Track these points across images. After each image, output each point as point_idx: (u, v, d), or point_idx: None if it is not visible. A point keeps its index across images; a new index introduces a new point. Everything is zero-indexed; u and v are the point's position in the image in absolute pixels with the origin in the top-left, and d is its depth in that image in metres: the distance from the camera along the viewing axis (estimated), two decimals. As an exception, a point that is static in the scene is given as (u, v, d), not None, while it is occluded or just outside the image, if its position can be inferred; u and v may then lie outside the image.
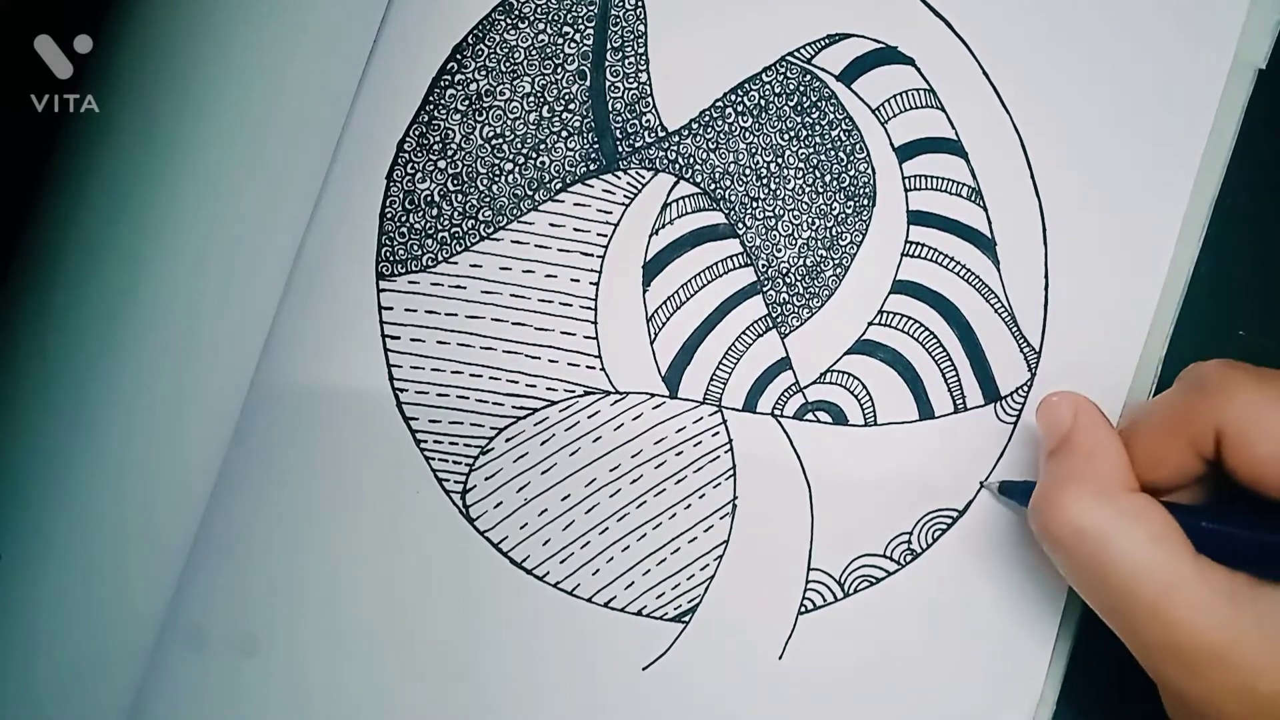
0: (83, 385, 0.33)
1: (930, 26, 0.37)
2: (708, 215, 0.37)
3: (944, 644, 0.37)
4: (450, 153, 0.36)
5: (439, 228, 0.36)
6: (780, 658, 0.37)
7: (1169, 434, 0.32)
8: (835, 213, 0.37)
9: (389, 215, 0.36)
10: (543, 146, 0.36)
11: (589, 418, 0.37)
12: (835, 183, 0.37)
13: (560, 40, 0.36)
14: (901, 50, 0.37)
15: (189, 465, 0.35)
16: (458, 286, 0.36)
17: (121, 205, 0.33)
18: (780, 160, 0.37)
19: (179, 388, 0.34)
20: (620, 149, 0.36)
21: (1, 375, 0.34)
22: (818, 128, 0.37)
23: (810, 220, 0.37)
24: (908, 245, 0.37)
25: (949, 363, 0.37)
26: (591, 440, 0.37)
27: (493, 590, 0.37)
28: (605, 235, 0.37)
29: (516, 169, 0.36)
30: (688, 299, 0.37)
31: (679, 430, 0.37)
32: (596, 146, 0.36)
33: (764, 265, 0.37)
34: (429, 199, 0.36)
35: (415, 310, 0.36)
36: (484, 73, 0.36)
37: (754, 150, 0.37)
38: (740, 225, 0.37)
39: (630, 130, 0.36)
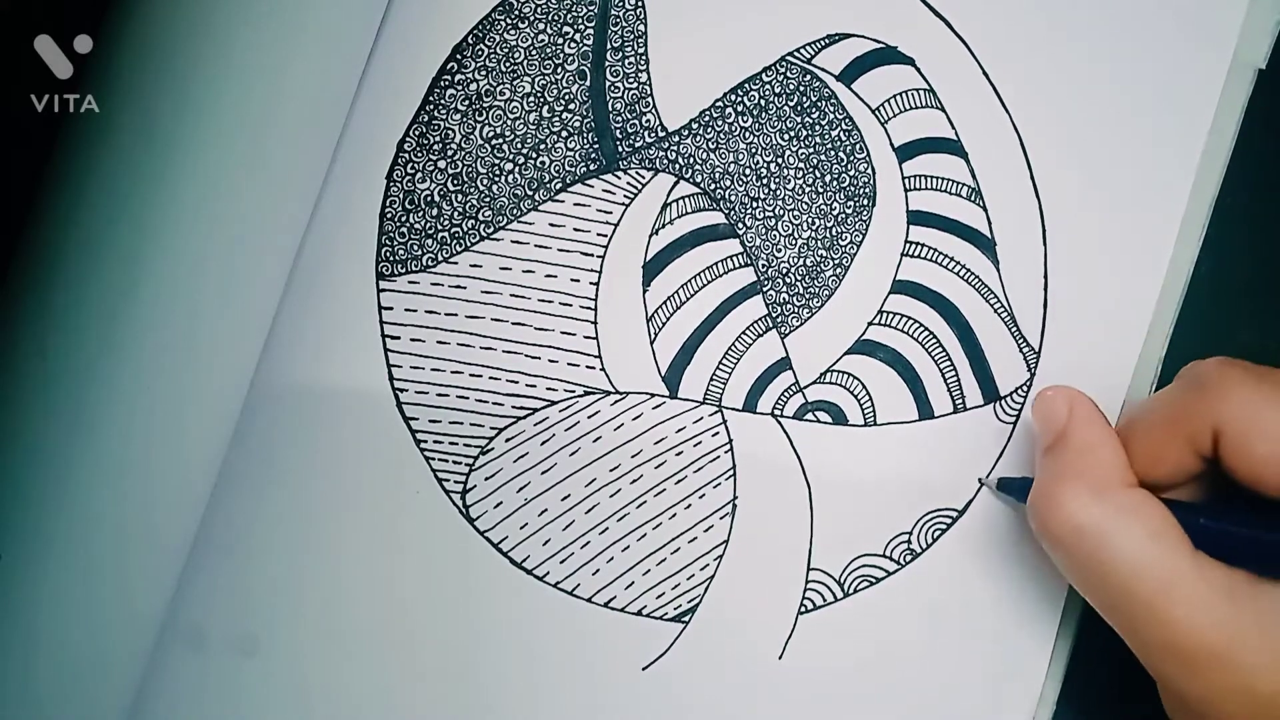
0: (83, 385, 0.33)
1: (930, 26, 0.37)
2: (708, 215, 0.37)
3: (944, 644, 0.37)
4: (450, 153, 0.36)
5: (439, 228, 0.36)
6: (780, 658, 0.37)
7: (1167, 432, 0.32)
8: (835, 213, 0.37)
9: (389, 215, 0.36)
10: (543, 146, 0.36)
11: (589, 418, 0.37)
12: (835, 183, 0.37)
13: (560, 40, 0.36)
14: (901, 50, 0.37)
15: (189, 465, 0.35)
16: (458, 286, 0.36)
17: (121, 205, 0.33)
18: (780, 160, 0.37)
19: (179, 388, 0.34)
20: (620, 149, 0.37)
21: (1, 375, 0.34)
22: (818, 128, 0.37)
23: (810, 220, 0.37)
24: (907, 245, 0.37)
25: (949, 363, 0.37)
26: (591, 440, 0.37)
27: (493, 590, 0.37)
28: (605, 235, 0.37)
29: (516, 169, 0.36)
30: (688, 299, 0.37)
31: (679, 430, 0.37)
32: (596, 146, 0.36)
33: (764, 265, 0.37)
34: (429, 199, 0.36)
35: (415, 310, 0.36)
36: (484, 73, 0.36)
37: (754, 150, 0.37)
38: (740, 225, 0.37)
39: (630, 130, 0.36)
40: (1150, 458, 0.33)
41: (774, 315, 0.37)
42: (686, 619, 0.37)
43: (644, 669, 0.37)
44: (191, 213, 0.33)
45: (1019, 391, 0.37)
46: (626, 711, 0.37)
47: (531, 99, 0.36)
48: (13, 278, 0.35)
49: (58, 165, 0.34)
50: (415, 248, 0.36)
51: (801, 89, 0.37)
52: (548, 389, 0.37)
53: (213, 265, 0.33)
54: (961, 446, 0.37)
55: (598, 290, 0.37)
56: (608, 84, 0.36)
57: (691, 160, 0.37)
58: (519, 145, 0.36)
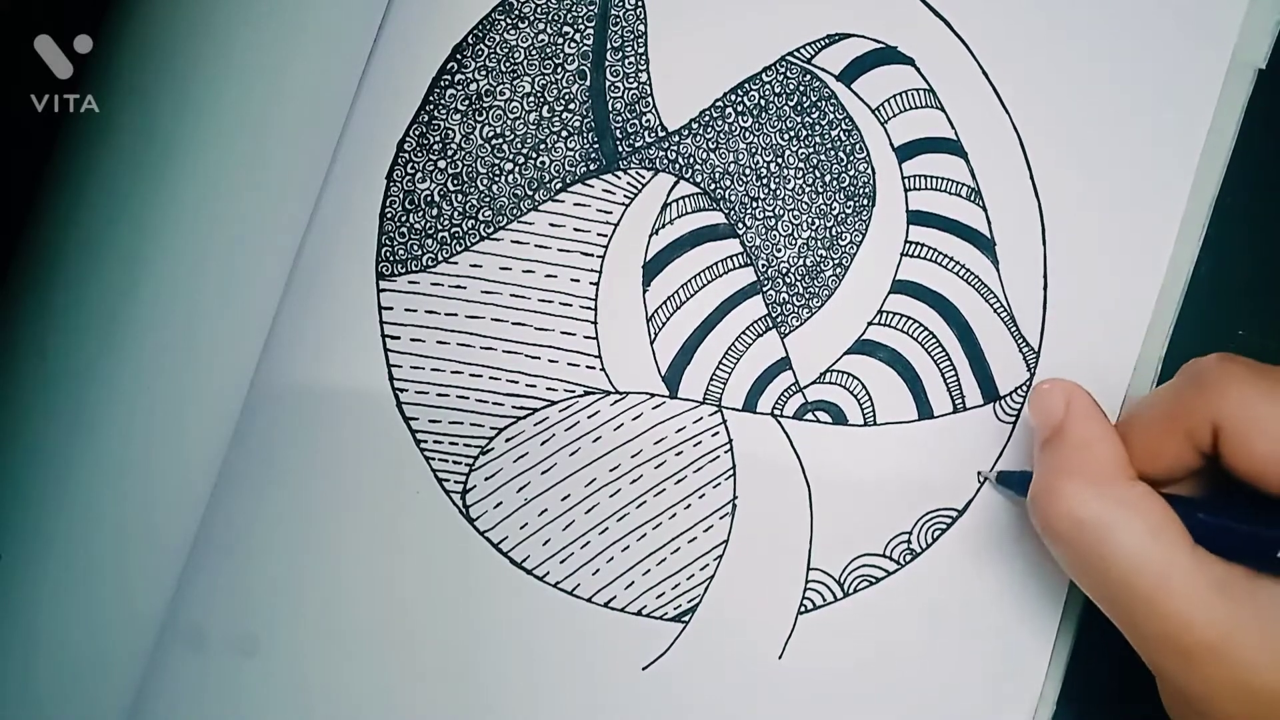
0: (83, 385, 0.33)
1: (930, 26, 0.37)
2: (708, 215, 0.37)
3: (944, 644, 0.37)
4: (450, 153, 0.36)
5: (439, 228, 0.36)
6: (780, 657, 0.37)
7: (1166, 427, 0.32)
8: (835, 213, 0.37)
9: (389, 215, 0.36)
10: (543, 146, 0.36)
11: (589, 418, 0.37)
12: (835, 183, 0.37)
13: (560, 40, 0.36)
14: (901, 50, 0.37)
15: (189, 465, 0.35)
16: (458, 286, 0.36)
17: (121, 205, 0.33)
18: (780, 160, 0.37)
19: (179, 388, 0.34)
20: (620, 149, 0.37)
21: (1, 375, 0.34)
22: (818, 128, 0.37)
23: (810, 220, 0.37)
24: (907, 245, 0.37)
25: (948, 362, 0.37)
26: (591, 440, 0.37)
27: (493, 590, 0.37)
28: (605, 235, 0.37)
29: (516, 169, 0.36)
30: (688, 299, 0.37)
31: (679, 430, 0.37)
32: (596, 146, 0.36)
33: (764, 265, 0.37)
34: (429, 199, 0.36)
35: (415, 310, 0.36)
36: (484, 73, 0.36)
37: (754, 150, 0.37)
38: (740, 225, 0.37)
39: (630, 130, 0.37)
40: (1149, 452, 0.33)
41: (774, 315, 0.37)
42: (686, 619, 0.37)
43: (644, 669, 0.37)
44: (191, 213, 0.33)
45: (1019, 391, 0.37)
46: (626, 711, 0.37)
47: (531, 99, 0.36)
48: (13, 278, 0.35)
49: (58, 165, 0.34)
50: (415, 248, 0.36)
51: (801, 89, 0.37)
52: (548, 389, 0.37)
53: (213, 265, 0.33)
54: (961, 446, 0.37)
55: (598, 290, 0.37)
56: (608, 84, 0.36)
57: (691, 160, 0.37)
58: (519, 145, 0.36)
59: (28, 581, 0.34)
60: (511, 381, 0.37)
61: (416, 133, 0.36)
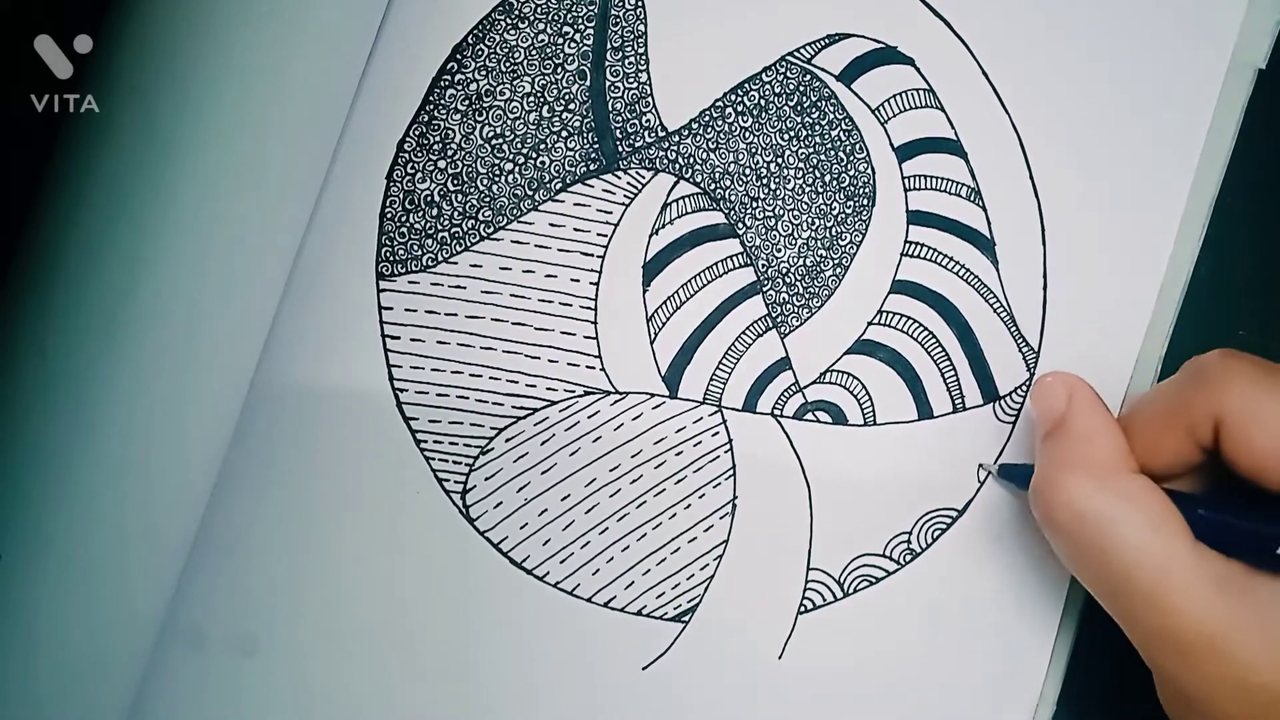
0: (83, 385, 0.33)
1: (930, 26, 0.37)
2: (708, 215, 0.37)
3: (944, 644, 0.37)
4: (450, 153, 0.36)
5: (439, 228, 0.36)
6: (780, 657, 0.37)
7: (1168, 421, 0.33)
8: (835, 213, 0.37)
9: (389, 215, 0.36)
10: (543, 146, 0.36)
11: (589, 418, 0.37)
12: (835, 183, 0.37)
13: (560, 40, 0.36)
14: (901, 50, 0.37)
15: (189, 465, 0.35)
16: (458, 286, 0.36)
17: (121, 205, 0.33)
18: (780, 160, 0.37)
19: (179, 388, 0.34)
20: (620, 149, 0.37)
21: (1, 375, 0.34)
22: (818, 128, 0.37)
23: (810, 220, 0.37)
24: (907, 245, 0.37)
25: (948, 362, 0.37)
26: (591, 440, 0.37)
27: (493, 590, 0.37)
28: (605, 235, 0.37)
29: (516, 169, 0.36)
30: (688, 299, 0.37)
31: (679, 430, 0.37)
32: (596, 146, 0.36)
33: (764, 265, 0.37)
34: (429, 199, 0.36)
35: (415, 310, 0.36)
36: (484, 73, 0.36)
37: (754, 150, 0.37)
38: (740, 225, 0.37)
39: (630, 130, 0.37)
40: (1151, 447, 0.33)
41: (774, 315, 0.37)
42: (686, 619, 0.37)
43: (644, 669, 0.37)
44: (191, 213, 0.33)
45: (1018, 391, 0.37)
46: (626, 711, 0.37)
47: (531, 99, 0.36)
48: (13, 278, 0.35)
49: (58, 165, 0.34)
50: (415, 248, 0.36)
51: (801, 89, 0.37)
52: (548, 389, 0.37)
53: (213, 265, 0.33)
54: (961, 446, 0.37)
55: (598, 290, 0.37)
56: (608, 84, 0.36)
57: (691, 160, 0.37)
58: (519, 145, 0.36)
59: (28, 581, 0.34)
60: (511, 381, 0.37)
61: (416, 133, 0.36)
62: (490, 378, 0.37)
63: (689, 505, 0.37)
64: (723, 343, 0.37)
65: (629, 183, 0.37)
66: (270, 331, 0.35)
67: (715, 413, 0.37)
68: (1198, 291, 0.37)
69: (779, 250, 0.37)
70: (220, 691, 0.37)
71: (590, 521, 0.37)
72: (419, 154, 0.36)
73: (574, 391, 0.37)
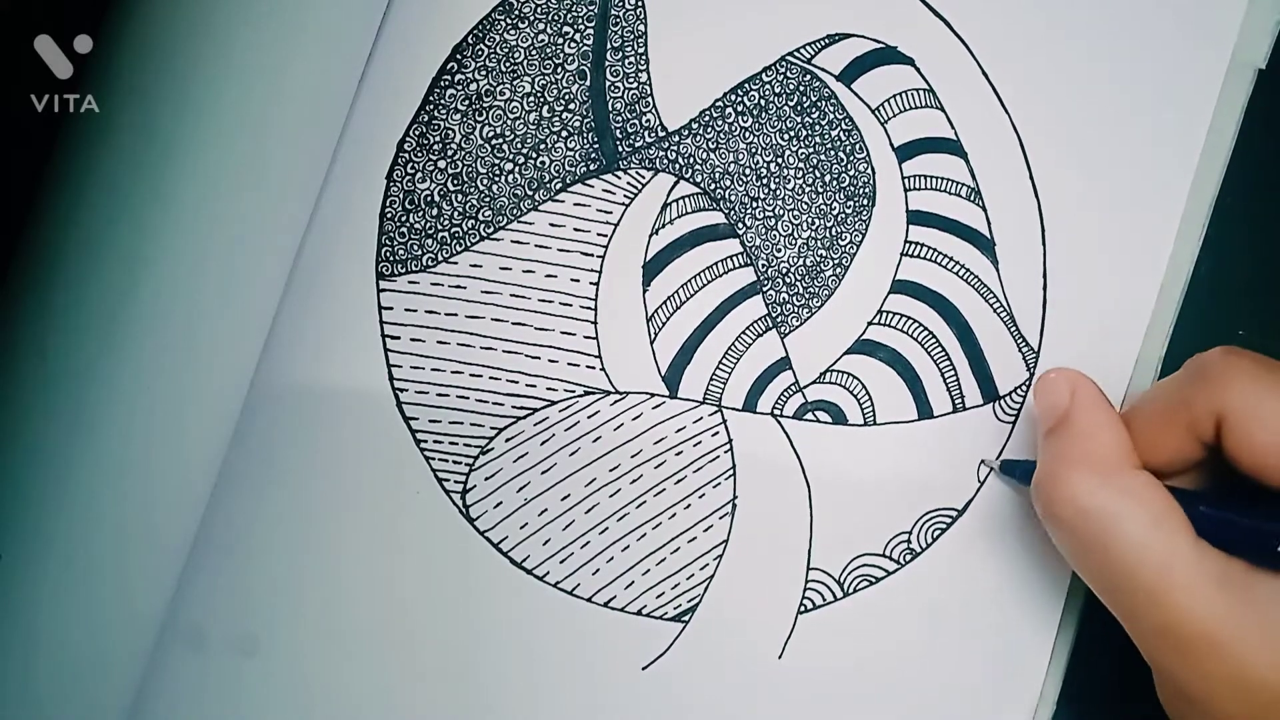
0: (83, 385, 0.33)
1: (930, 26, 0.37)
2: (708, 215, 0.37)
3: (944, 644, 0.37)
4: (450, 153, 0.36)
5: (439, 228, 0.36)
6: (780, 657, 0.37)
7: (1170, 418, 0.33)
8: (835, 213, 0.37)
9: (389, 215, 0.36)
10: (543, 146, 0.36)
11: (589, 418, 0.37)
12: (835, 183, 0.37)
13: (560, 40, 0.36)
14: (901, 50, 0.37)
15: (189, 465, 0.35)
16: (458, 286, 0.36)
17: (121, 205, 0.33)
18: (780, 160, 0.37)
19: (179, 388, 0.34)
20: (620, 149, 0.37)
21: (1, 375, 0.34)
22: (818, 128, 0.37)
23: (810, 220, 0.37)
24: (907, 245, 0.37)
25: (948, 362, 0.37)
26: (591, 440, 0.37)
27: (493, 590, 0.37)
28: (605, 235, 0.37)
29: (516, 169, 0.36)
30: (688, 299, 0.37)
31: (679, 430, 0.37)
32: (596, 146, 0.36)
33: (764, 265, 0.37)
34: (429, 199, 0.36)
35: (415, 310, 0.36)
36: (484, 73, 0.36)
37: (754, 150, 0.37)
38: (740, 225, 0.37)
39: (630, 130, 0.37)
40: (1152, 443, 0.33)
41: (774, 315, 0.37)
42: (686, 619, 0.37)
43: (644, 669, 0.37)
44: (191, 213, 0.33)
45: (1018, 391, 0.37)
46: (626, 711, 0.37)
47: (531, 99, 0.36)
48: (13, 278, 0.35)
49: (58, 165, 0.34)
50: (415, 248, 0.36)
51: (801, 89, 0.37)
52: (548, 389, 0.37)
53: (213, 265, 0.33)
54: (961, 446, 0.37)
55: (598, 290, 0.37)
56: (608, 84, 0.36)
57: (691, 160, 0.37)
58: (519, 145, 0.36)
59: (28, 581, 0.34)
60: (511, 381, 0.37)
61: (416, 133, 0.36)
62: (490, 378, 0.37)
63: (689, 505, 0.37)
64: (723, 343, 0.37)
65: (629, 183, 0.37)
66: (270, 331, 0.35)
67: (715, 413, 0.37)
68: (1198, 291, 0.37)
69: (779, 250, 0.37)
70: (220, 691, 0.37)
71: (590, 521, 0.37)
72: (419, 154, 0.36)
73: (574, 391, 0.37)
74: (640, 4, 0.36)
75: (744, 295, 0.37)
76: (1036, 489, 0.33)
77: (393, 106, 0.36)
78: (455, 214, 0.36)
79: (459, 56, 0.36)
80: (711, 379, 0.37)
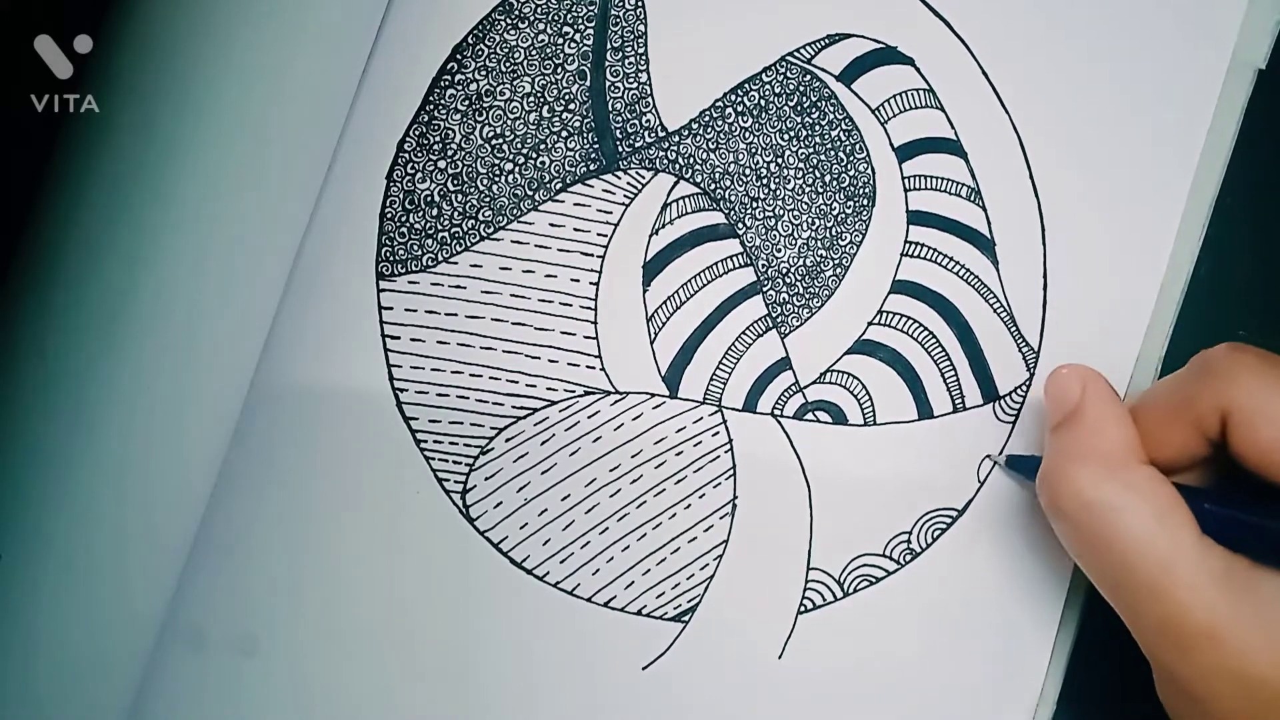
0: (83, 385, 0.33)
1: (930, 26, 0.37)
2: (708, 215, 0.37)
3: (944, 644, 0.37)
4: (450, 153, 0.36)
5: (439, 228, 0.36)
6: (780, 657, 0.37)
7: (1175, 414, 0.33)
8: (835, 213, 0.37)
9: (389, 215, 0.36)
10: (543, 146, 0.36)
11: (589, 418, 0.37)
12: (835, 183, 0.37)
13: (560, 40, 0.36)
14: (901, 50, 0.37)
15: (189, 465, 0.35)
16: (458, 286, 0.36)
17: (121, 205, 0.33)
18: (780, 160, 0.37)
19: (179, 388, 0.34)
20: (620, 149, 0.37)
21: (1, 375, 0.34)
22: (818, 128, 0.37)
23: (810, 220, 0.37)
24: (907, 245, 0.37)
25: (948, 362, 0.37)
26: (591, 440, 0.37)
27: (493, 590, 0.37)
28: (605, 235, 0.37)
29: (516, 169, 0.36)
30: (688, 299, 0.37)
31: (679, 430, 0.37)
32: (596, 146, 0.36)
33: (764, 265, 0.37)
34: (429, 199, 0.36)
35: (415, 310, 0.36)
36: (484, 73, 0.36)
37: (754, 150, 0.37)
38: (740, 225, 0.37)
39: (630, 130, 0.37)
40: (1157, 440, 0.33)
41: (774, 315, 0.37)
42: (686, 619, 0.37)
43: (644, 669, 0.37)
44: (191, 213, 0.33)
45: (1018, 391, 0.37)
46: (626, 711, 0.37)
47: (531, 99, 0.36)
48: (13, 278, 0.35)
49: (58, 165, 0.34)
50: (415, 248, 0.36)
51: (801, 89, 0.37)
52: (548, 389, 0.37)
53: (213, 265, 0.33)
54: (961, 446, 0.37)
55: (598, 290, 0.37)
56: (608, 84, 0.36)
57: (691, 160, 0.37)
58: (519, 145, 0.36)
59: (28, 581, 0.34)
60: (511, 381, 0.37)
61: (416, 133, 0.36)
62: (490, 378, 0.37)
63: (689, 505, 0.37)
64: (723, 343, 0.37)
65: (629, 183, 0.37)
66: (270, 331, 0.35)
67: (715, 413, 0.37)
68: (1198, 291, 0.37)
69: (779, 250, 0.37)
70: (220, 691, 0.37)
71: (590, 521, 0.37)
72: (419, 154, 0.36)
73: (574, 391, 0.37)
74: (640, 4, 0.36)
75: (744, 295, 0.37)
76: (1042, 482, 0.33)
77: (393, 106, 0.36)
78: (455, 214, 0.36)
79: (459, 56, 0.36)
80: (711, 379, 0.37)
